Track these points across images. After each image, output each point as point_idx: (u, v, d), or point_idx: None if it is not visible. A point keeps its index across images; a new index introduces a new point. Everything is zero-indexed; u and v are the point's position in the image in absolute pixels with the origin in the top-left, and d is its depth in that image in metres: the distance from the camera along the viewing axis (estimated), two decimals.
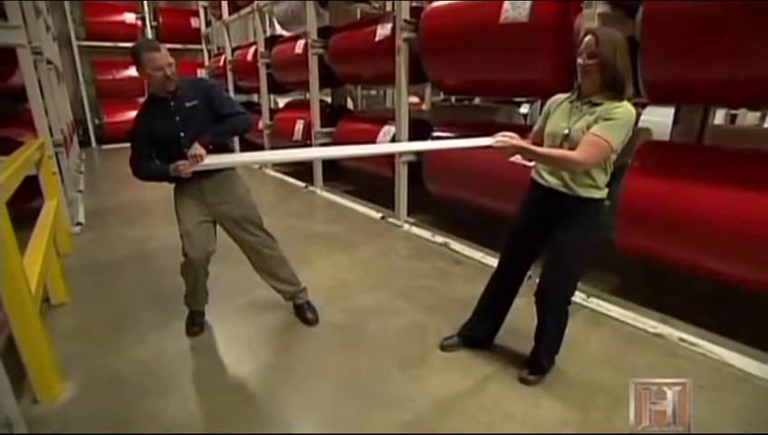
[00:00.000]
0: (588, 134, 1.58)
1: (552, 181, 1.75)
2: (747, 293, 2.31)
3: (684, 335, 2.26)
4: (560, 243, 1.78)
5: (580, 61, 1.61)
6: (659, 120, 3.63)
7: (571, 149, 1.63)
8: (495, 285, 2.08)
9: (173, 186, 2.17)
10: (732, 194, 2.15)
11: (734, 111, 5.74)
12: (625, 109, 1.57)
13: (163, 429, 1.74)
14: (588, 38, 1.59)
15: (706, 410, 1.74)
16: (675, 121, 3.28)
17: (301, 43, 5.40)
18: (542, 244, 1.86)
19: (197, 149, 1.95)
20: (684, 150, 2.71)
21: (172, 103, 2.04)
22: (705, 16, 2.08)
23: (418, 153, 3.90)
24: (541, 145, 1.77)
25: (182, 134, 2.03)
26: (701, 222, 2.20)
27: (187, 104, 2.05)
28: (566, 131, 1.67)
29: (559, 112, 1.75)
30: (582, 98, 1.68)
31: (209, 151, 1.98)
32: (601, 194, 1.72)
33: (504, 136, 1.73)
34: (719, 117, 5.19)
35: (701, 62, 2.21)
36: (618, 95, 1.59)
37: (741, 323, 2.35)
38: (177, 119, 2.03)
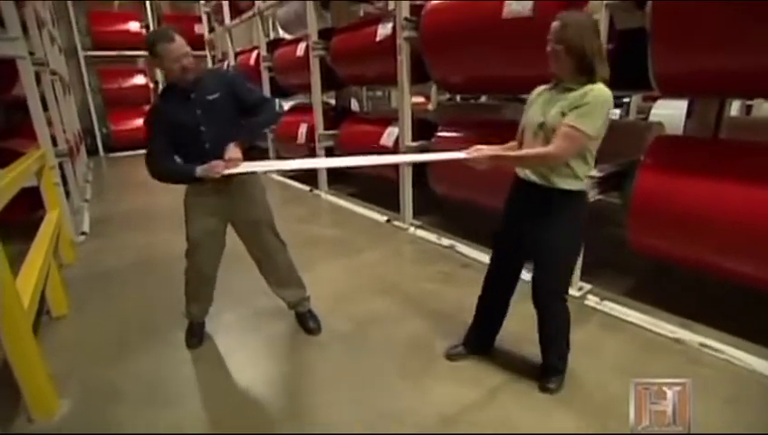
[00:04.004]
0: (561, 126, 1.55)
1: (530, 174, 1.71)
2: None
3: (705, 340, 2.14)
4: (542, 241, 1.74)
5: (548, 48, 1.59)
6: (673, 112, 3.49)
7: (547, 137, 1.60)
8: (489, 289, 2.04)
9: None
10: (753, 190, 2.02)
11: (749, 102, 5.53)
12: (596, 92, 1.53)
13: None
14: (554, 23, 1.58)
15: (734, 425, 1.63)
16: (688, 114, 3.15)
17: (302, 45, 5.35)
18: (529, 241, 1.80)
19: (235, 152, 1.88)
20: (699, 145, 2.58)
21: (193, 95, 1.93)
22: (717, 3, 1.97)
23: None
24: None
25: (203, 128, 1.93)
26: (721, 221, 2.07)
27: (209, 97, 1.94)
28: (541, 120, 1.65)
29: (538, 103, 1.72)
30: (558, 86, 1.65)
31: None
32: (581, 186, 1.68)
33: (478, 149, 1.71)
34: (734, 108, 4.99)
35: (714, 53, 2.08)
36: (589, 78, 1.56)
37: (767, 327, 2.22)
38: (199, 112, 1.92)
